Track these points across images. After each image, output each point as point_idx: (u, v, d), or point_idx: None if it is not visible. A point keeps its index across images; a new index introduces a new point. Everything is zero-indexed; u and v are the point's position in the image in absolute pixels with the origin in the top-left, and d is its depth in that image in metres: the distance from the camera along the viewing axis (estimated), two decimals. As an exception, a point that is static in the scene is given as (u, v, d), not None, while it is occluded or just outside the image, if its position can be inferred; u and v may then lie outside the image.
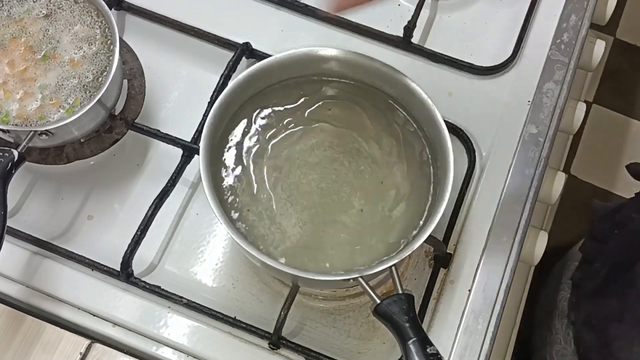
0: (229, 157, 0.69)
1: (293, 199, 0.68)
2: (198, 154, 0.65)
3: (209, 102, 0.79)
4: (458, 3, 0.89)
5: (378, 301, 0.60)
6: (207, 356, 0.71)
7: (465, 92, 0.83)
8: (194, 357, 0.71)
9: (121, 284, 0.74)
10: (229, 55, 0.82)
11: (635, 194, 1.02)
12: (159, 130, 0.79)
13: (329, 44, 0.70)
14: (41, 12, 0.76)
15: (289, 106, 0.71)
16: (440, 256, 0.75)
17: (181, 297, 0.73)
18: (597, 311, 0.95)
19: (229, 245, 0.77)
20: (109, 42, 0.75)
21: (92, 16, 0.76)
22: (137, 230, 0.74)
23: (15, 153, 0.69)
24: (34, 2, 0.76)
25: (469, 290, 0.74)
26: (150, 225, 0.74)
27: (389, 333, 0.61)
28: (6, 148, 0.69)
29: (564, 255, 1.14)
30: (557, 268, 1.13)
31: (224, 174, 0.68)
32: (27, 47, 0.75)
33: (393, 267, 0.62)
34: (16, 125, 0.72)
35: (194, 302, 0.73)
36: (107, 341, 0.72)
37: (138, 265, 0.74)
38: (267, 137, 0.70)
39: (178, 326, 0.72)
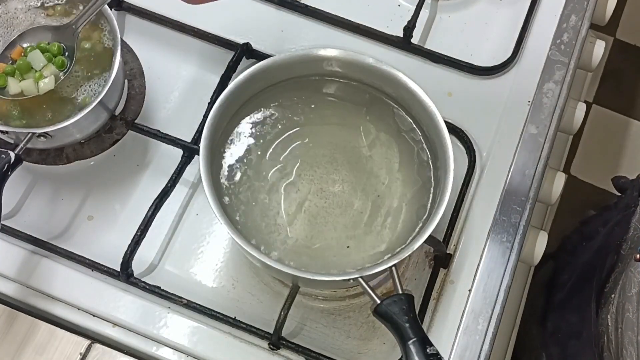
0: (229, 157, 0.69)
1: (293, 199, 0.68)
2: (198, 155, 0.65)
3: (209, 103, 0.79)
4: (458, 3, 0.89)
5: (378, 301, 0.60)
6: (207, 356, 0.71)
7: (465, 92, 0.83)
8: (194, 358, 0.71)
9: (121, 284, 0.74)
10: (229, 55, 0.82)
11: (602, 207, 1.03)
12: (159, 131, 0.79)
13: (329, 44, 0.70)
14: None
15: (288, 107, 0.71)
16: (440, 256, 0.75)
17: (181, 298, 0.73)
18: (562, 324, 0.96)
19: (229, 245, 0.77)
20: (110, 43, 0.75)
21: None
22: (137, 231, 0.74)
23: (12, 155, 0.69)
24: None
25: (469, 290, 0.74)
26: (150, 226, 0.74)
27: (389, 333, 0.61)
28: (3, 150, 0.69)
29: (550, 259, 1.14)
30: (540, 274, 1.13)
31: (224, 174, 0.68)
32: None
33: (393, 267, 0.62)
34: (15, 126, 0.71)
35: (194, 303, 0.73)
36: (107, 341, 0.72)
37: (138, 266, 0.74)
38: (267, 138, 0.70)
39: (178, 326, 0.72)
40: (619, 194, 0.99)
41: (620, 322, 0.79)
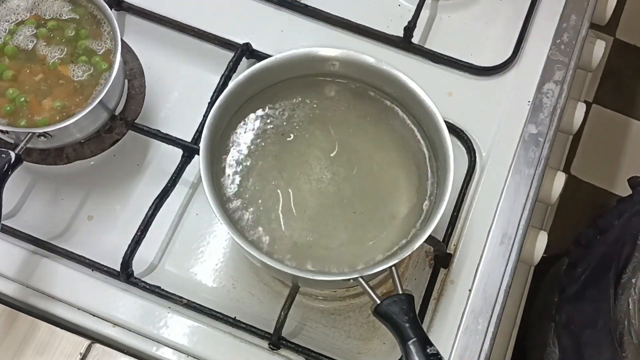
0: (229, 157, 0.69)
1: (293, 199, 0.68)
2: (198, 154, 0.65)
3: (209, 103, 0.79)
4: (458, 3, 0.89)
5: (378, 301, 0.60)
6: (207, 356, 0.71)
7: (465, 92, 0.83)
8: (194, 357, 0.71)
9: (121, 284, 0.74)
10: (229, 55, 0.82)
11: (617, 200, 1.04)
12: (159, 131, 0.79)
13: (329, 44, 0.70)
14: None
15: (289, 106, 0.71)
16: (440, 256, 0.75)
17: (181, 298, 0.73)
18: (575, 316, 0.97)
19: (229, 245, 0.77)
20: (110, 43, 0.75)
21: (93, 17, 0.76)
22: (137, 231, 0.74)
23: (12, 154, 0.69)
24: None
25: (469, 290, 0.74)
26: (150, 226, 0.74)
27: (389, 333, 0.61)
28: (3, 149, 0.69)
29: (562, 257, 1.15)
30: (552, 271, 1.15)
31: (224, 173, 0.68)
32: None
33: (393, 267, 0.62)
34: (14, 125, 0.71)
35: (194, 303, 0.73)
36: (107, 341, 0.72)
37: (138, 266, 0.74)
38: (267, 137, 0.70)
39: (178, 326, 0.72)
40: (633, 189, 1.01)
41: None
